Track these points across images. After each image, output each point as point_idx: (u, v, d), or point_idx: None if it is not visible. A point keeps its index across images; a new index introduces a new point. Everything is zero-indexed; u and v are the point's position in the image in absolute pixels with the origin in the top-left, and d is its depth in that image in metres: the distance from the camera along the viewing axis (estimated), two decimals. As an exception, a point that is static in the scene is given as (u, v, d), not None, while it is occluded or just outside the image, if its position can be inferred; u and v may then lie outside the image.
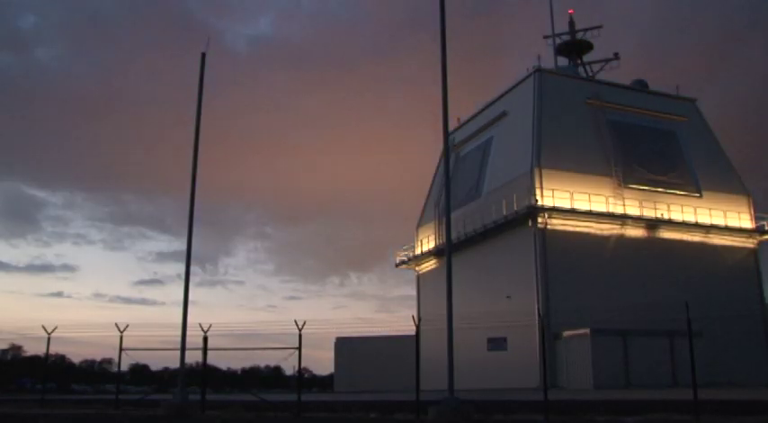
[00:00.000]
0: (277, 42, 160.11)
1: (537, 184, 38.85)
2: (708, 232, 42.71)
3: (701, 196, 43.75)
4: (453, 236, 24.39)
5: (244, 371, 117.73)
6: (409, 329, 18.40)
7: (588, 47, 51.63)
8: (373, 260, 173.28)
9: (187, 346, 19.84)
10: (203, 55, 22.08)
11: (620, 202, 40.52)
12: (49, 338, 21.81)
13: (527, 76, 44.75)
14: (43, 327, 21.46)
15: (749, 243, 44.03)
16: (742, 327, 38.91)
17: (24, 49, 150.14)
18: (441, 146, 29.21)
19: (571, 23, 52.19)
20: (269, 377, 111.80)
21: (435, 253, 48.55)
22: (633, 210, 40.74)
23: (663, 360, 33.82)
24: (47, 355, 24.24)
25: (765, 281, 43.10)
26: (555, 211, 38.56)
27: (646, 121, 45.27)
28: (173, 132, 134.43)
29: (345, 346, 50.64)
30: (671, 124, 46.08)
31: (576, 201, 39.42)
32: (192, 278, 20.86)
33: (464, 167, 49.44)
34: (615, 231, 40.23)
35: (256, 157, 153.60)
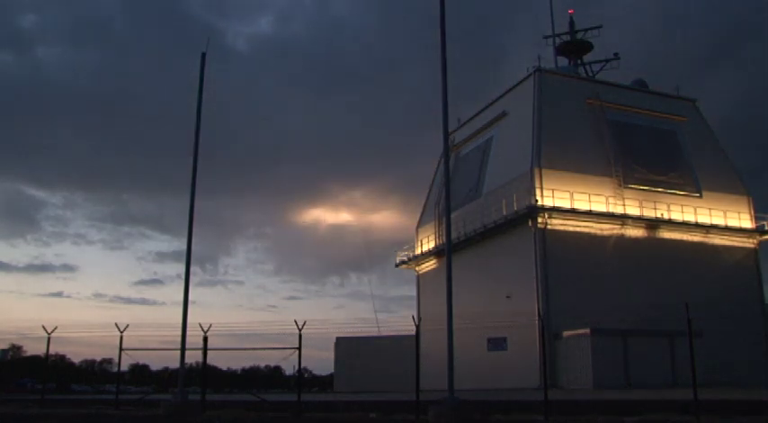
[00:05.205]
0: (277, 42, 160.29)
1: (537, 184, 38.81)
2: (708, 232, 42.68)
3: (700, 196, 43.72)
4: (453, 236, 24.38)
5: (244, 371, 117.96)
6: (409, 329, 18.41)
7: (588, 47, 51.71)
8: (373, 260, 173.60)
9: (187, 346, 19.88)
10: (203, 55, 22.12)
11: (621, 202, 40.49)
12: (48, 338, 21.85)
13: (527, 76, 44.73)
14: (43, 327, 21.51)
15: (749, 243, 44.01)
16: (742, 327, 38.85)
17: (25, 48, 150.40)
18: (441, 146, 29.22)
19: (571, 23, 52.26)
20: (269, 377, 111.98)
21: (435, 253, 48.54)
22: (633, 210, 40.71)
23: (663, 360, 33.76)
24: (47, 355, 24.25)
25: (765, 281, 43.13)
26: (555, 211, 38.53)
27: (646, 121, 45.25)
28: (173, 132, 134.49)
29: (345, 346, 50.61)
30: (671, 124, 46.07)
31: (576, 201, 39.39)
32: (192, 278, 20.88)
33: (464, 167, 49.42)
34: (615, 231, 40.20)
35: (256, 156, 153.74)
